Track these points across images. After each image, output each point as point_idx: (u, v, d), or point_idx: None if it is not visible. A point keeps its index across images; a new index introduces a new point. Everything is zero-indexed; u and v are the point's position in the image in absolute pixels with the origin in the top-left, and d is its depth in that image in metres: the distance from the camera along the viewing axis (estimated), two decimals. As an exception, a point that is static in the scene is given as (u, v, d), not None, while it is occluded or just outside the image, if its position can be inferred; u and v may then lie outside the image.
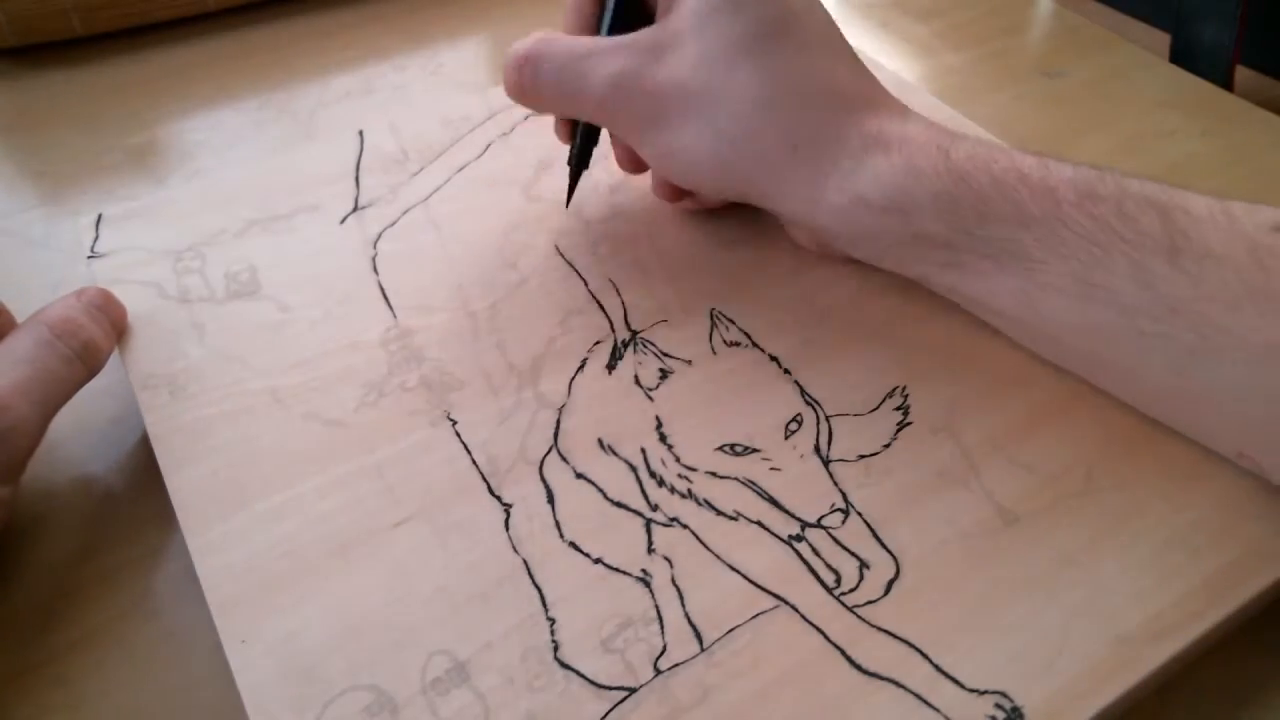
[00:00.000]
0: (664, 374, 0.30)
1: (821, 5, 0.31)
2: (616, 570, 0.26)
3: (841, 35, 0.32)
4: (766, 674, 0.24)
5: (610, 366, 0.30)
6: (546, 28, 0.34)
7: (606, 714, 0.23)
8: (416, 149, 0.38)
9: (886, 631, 0.24)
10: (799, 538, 0.26)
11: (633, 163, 0.34)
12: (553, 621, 0.24)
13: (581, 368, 0.30)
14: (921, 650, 0.24)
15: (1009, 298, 0.29)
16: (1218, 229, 0.26)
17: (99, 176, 0.40)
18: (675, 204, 0.35)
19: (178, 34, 0.48)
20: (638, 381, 0.30)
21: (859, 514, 0.27)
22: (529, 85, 0.31)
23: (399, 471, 0.28)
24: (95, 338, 0.29)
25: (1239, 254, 0.25)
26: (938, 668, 0.24)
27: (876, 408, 0.29)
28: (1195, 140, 0.41)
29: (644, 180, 0.36)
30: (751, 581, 0.25)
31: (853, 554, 0.26)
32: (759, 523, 0.27)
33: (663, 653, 0.24)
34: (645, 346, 0.31)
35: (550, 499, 0.27)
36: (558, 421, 0.29)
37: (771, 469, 0.28)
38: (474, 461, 0.28)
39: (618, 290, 0.33)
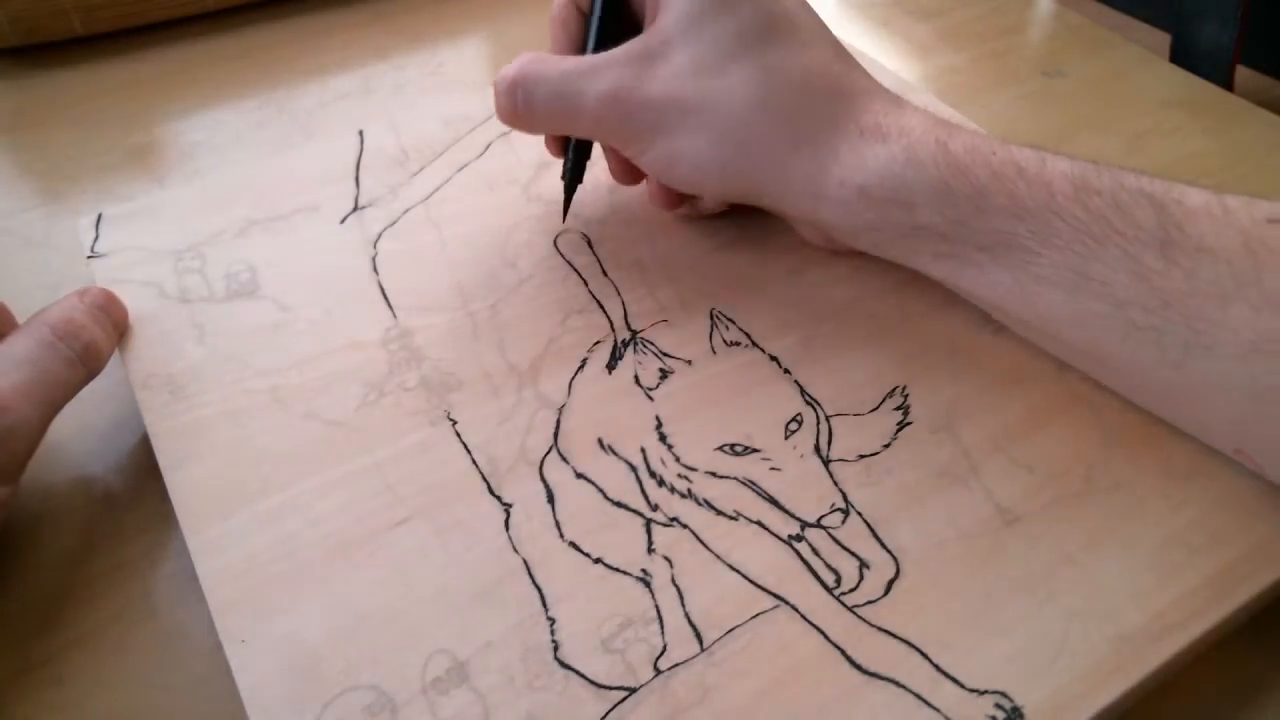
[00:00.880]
0: (664, 374, 0.30)
1: (806, 1, 0.32)
2: (616, 570, 0.26)
3: (828, 29, 0.32)
4: (766, 674, 0.24)
5: (610, 366, 0.30)
6: (546, 28, 0.34)
7: (606, 714, 0.23)
8: (416, 149, 0.38)
9: (886, 631, 0.24)
10: (799, 538, 0.26)
11: (628, 174, 0.34)
12: (553, 621, 0.24)
13: (581, 368, 0.30)
14: (921, 650, 0.24)
15: (1004, 290, 0.29)
16: (1213, 221, 0.25)
17: (99, 176, 0.40)
18: (673, 211, 0.35)
19: (178, 34, 0.48)
20: (638, 381, 0.30)
21: (859, 514, 0.27)
22: (523, 110, 0.31)
23: (399, 471, 0.28)
24: (97, 339, 0.29)
25: (1233, 246, 0.25)
26: (938, 668, 0.24)
27: (876, 408, 0.29)
28: (1196, 140, 0.41)
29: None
30: (751, 581, 0.25)
31: (853, 554, 0.26)
32: (759, 523, 0.27)
33: (663, 653, 0.24)
34: (645, 346, 0.31)
35: (550, 499, 0.27)
36: (558, 421, 0.29)
37: (771, 469, 0.28)
38: (474, 461, 0.28)
39: (618, 290, 0.33)
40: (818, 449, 0.28)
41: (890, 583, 0.25)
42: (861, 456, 0.28)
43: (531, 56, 0.31)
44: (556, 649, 0.24)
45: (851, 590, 0.25)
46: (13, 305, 0.30)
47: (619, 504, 0.27)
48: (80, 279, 0.34)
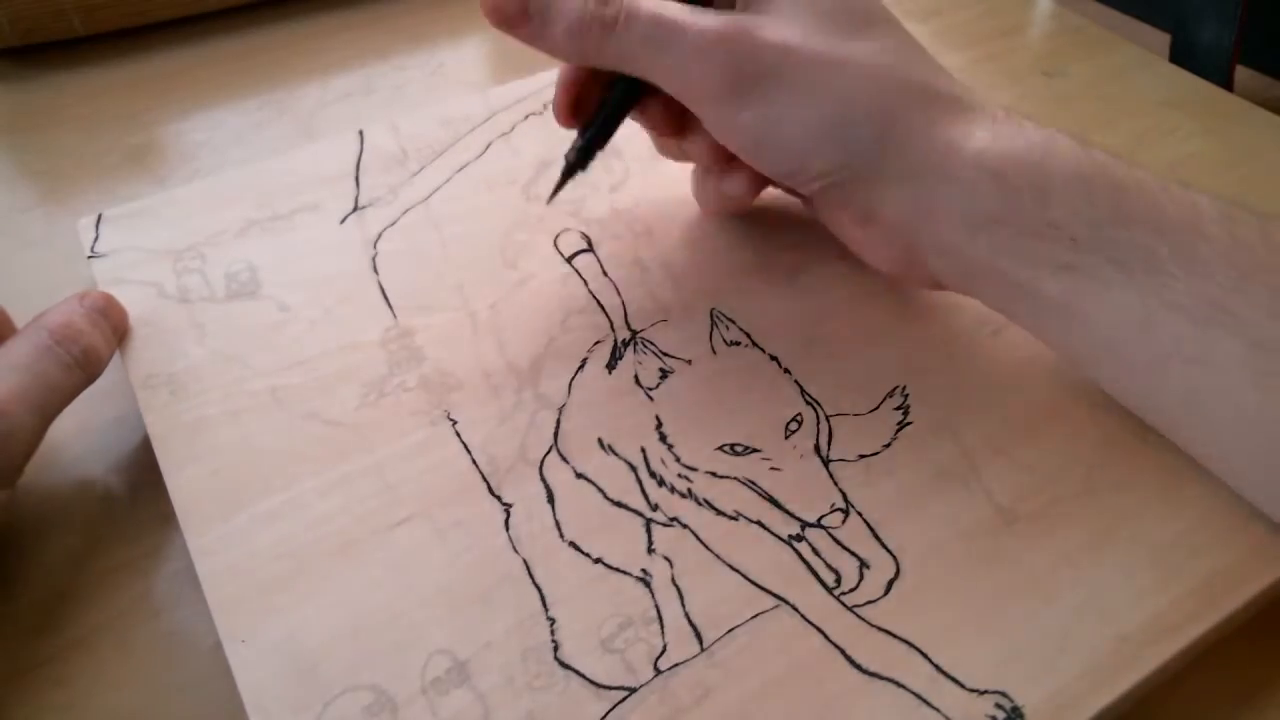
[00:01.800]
0: (664, 374, 0.30)
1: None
2: (616, 570, 0.26)
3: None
4: (766, 674, 0.24)
5: (610, 366, 0.30)
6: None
7: (606, 714, 0.23)
8: (416, 149, 0.38)
9: (886, 631, 0.24)
10: (799, 537, 0.26)
11: (674, 126, 0.30)
12: (553, 621, 0.24)
13: (581, 368, 0.30)
14: (921, 650, 0.24)
15: (1124, 315, 0.25)
16: None
17: (99, 176, 0.40)
18: (713, 208, 0.33)
19: (178, 34, 0.48)
20: (638, 381, 0.30)
21: (859, 514, 0.27)
22: (612, 23, 0.26)
23: (399, 471, 0.28)
24: (95, 344, 0.29)
25: None
26: (938, 668, 0.24)
27: (876, 408, 0.29)
28: (1196, 140, 0.41)
29: (644, 180, 0.36)
30: (751, 581, 0.25)
31: (853, 554, 0.26)
32: (759, 522, 0.27)
33: (663, 653, 0.24)
34: (645, 346, 0.31)
35: (550, 499, 0.27)
36: (558, 421, 0.29)
37: (771, 469, 0.28)
38: (474, 461, 0.28)
39: (618, 290, 0.33)
40: (818, 449, 0.28)
41: (890, 583, 0.25)
42: (861, 456, 0.28)
43: None
44: (556, 649, 0.24)
45: (851, 590, 0.25)
46: (11, 306, 0.30)
47: (619, 504, 0.27)
48: (80, 279, 0.34)
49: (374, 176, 0.37)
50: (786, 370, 0.30)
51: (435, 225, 0.35)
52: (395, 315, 0.32)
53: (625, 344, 0.31)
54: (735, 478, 0.27)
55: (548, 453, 0.28)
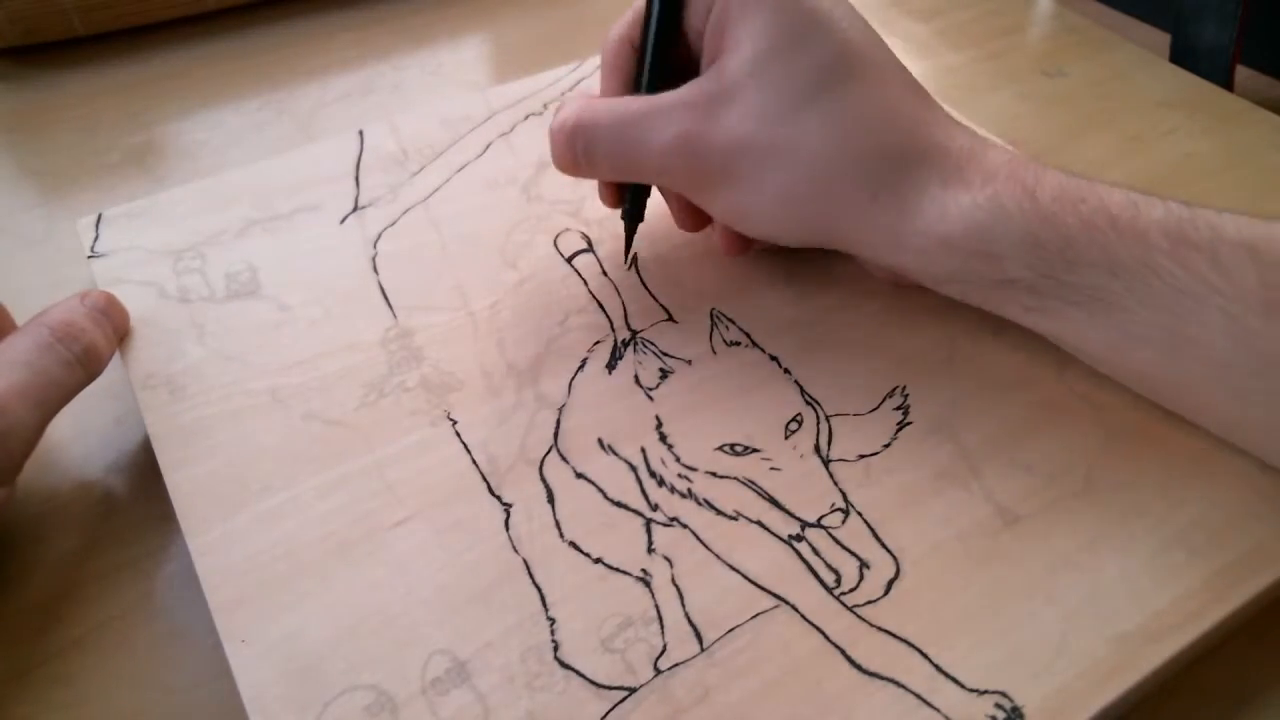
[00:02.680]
0: (664, 374, 0.30)
1: (879, 38, 0.30)
2: (616, 570, 0.26)
3: (900, 63, 0.30)
4: (766, 674, 0.24)
5: (610, 366, 0.30)
6: (547, 27, 0.34)
7: (606, 714, 0.23)
8: (416, 149, 0.38)
9: (886, 631, 0.24)
10: (799, 537, 0.26)
11: (693, 220, 0.32)
12: (553, 621, 0.24)
13: (581, 367, 0.30)
14: (921, 650, 0.24)
15: (1100, 346, 0.28)
16: None
17: (99, 176, 0.40)
18: (744, 254, 0.33)
19: (178, 34, 0.48)
20: (638, 381, 0.30)
21: (859, 514, 0.27)
22: (583, 158, 0.30)
23: (399, 471, 0.28)
24: (96, 342, 0.29)
25: None
26: (938, 668, 0.24)
27: (876, 408, 0.29)
28: (1195, 140, 0.41)
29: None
30: (751, 581, 0.25)
31: (853, 554, 0.26)
32: (759, 522, 0.27)
33: (663, 652, 0.24)
34: (645, 346, 0.31)
35: (550, 499, 0.27)
36: (558, 421, 0.29)
37: (771, 469, 0.28)
38: (474, 461, 0.28)
39: (618, 290, 0.33)
40: (818, 449, 0.28)
41: (890, 583, 0.25)
42: (861, 456, 0.28)
43: (586, 101, 0.30)
44: (556, 649, 0.24)
45: (851, 590, 0.25)
46: (12, 305, 0.30)
47: (619, 504, 0.27)
48: (80, 279, 0.34)
49: (374, 176, 0.37)
50: (786, 370, 0.30)
51: (435, 225, 0.35)
52: (395, 315, 0.32)
53: (625, 344, 0.31)
54: (735, 478, 0.27)
55: (548, 453, 0.28)
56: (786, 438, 0.28)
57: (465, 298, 0.32)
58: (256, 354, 0.30)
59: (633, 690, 0.23)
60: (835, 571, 0.26)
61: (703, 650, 0.24)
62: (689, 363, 0.30)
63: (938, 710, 0.23)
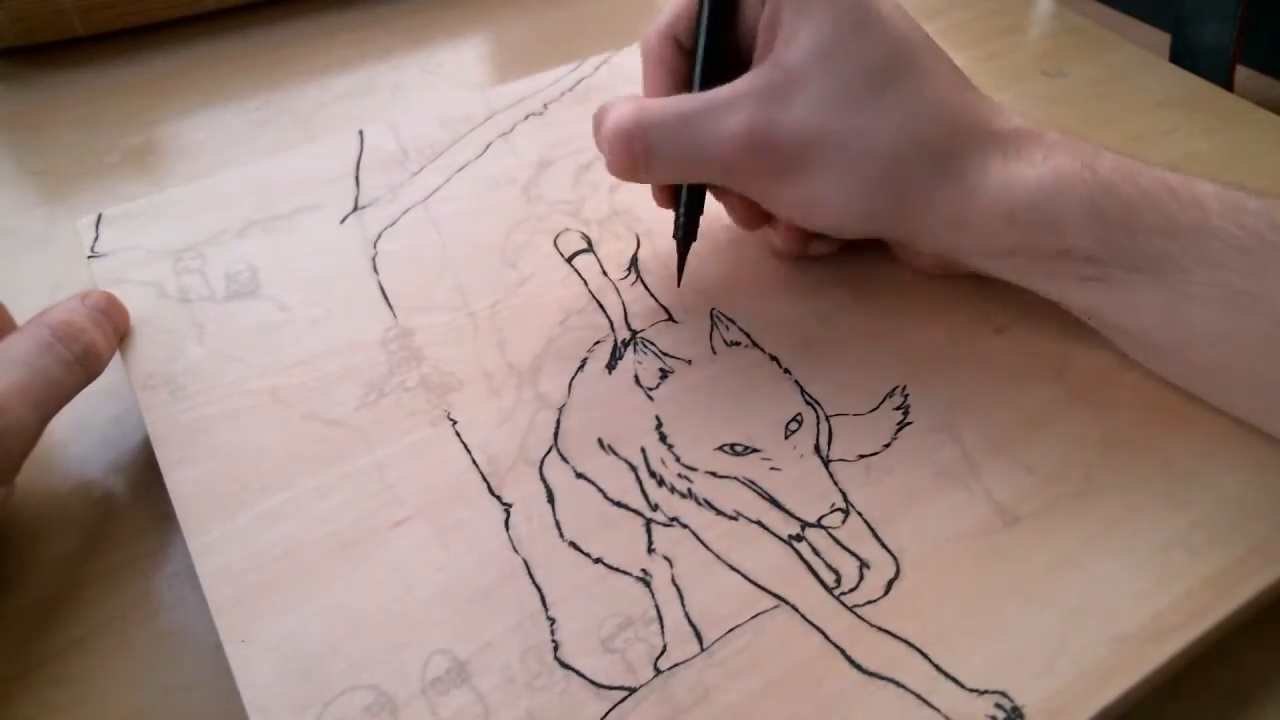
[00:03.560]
0: (664, 374, 0.30)
1: (926, 33, 0.30)
2: (616, 570, 0.26)
3: (949, 57, 0.30)
4: (766, 674, 0.24)
5: (610, 366, 0.30)
6: (547, 27, 0.34)
7: (606, 714, 0.23)
8: (416, 149, 0.38)
9: (886, 631, 0.24)
10: (799, 537, 0.26)
11: (754, 219, 0.32)
12: (553, 621, 0.24)
13: (581, 367, 0.30)
14: (921, 650, 0.24)
15: (1152, 311, 0.28)
16: None
17: (99, 176, 0.40)
18: (800, 255, 0.33)
19: (177, 34, 0.48)
20: (638, 381, 0.30)
21: (859, 514, 0.27)
22: (643, 161, 0.28)
23: (399, 471, 0.28)
24: (96, 342, 0.29)
25: None
26: (938, 668, 0.24)
27: (876, 408, 0.29)
28: (1195, 140, 0.41)
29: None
30: (751, 581, 0.25)
31: (853, 554, 0.26)
32: (759, 522, 0.27)
33: (663, 652, 0.24)
34: (645, 346, 0.31)
35: (550, 499, 0.27)
36: (558, 421, 0.29)
37: (771, 469, 0.28)
38: (474, 461, 0.28)
39: (618, 290, 0.33)
40: (818, 449, 0.28)
41: (890, 583, 0.25)
42: (861, 456, 0.28)
43: (640, 102, 0.29)
44: (556, 649, 0.24)
45: (851, 590, 0.25)
46: (13, 305, 0.30)
47: (619, 504, 0.27)
48: (80, 279, 0.34)
49: (374, 176, 0.37)
50: (786, 370, 0.30)
51: (435, 225, 0.35)
52: (395, 315, 0.32)
53: (625, 344, 0.31)
54: (735, 478, 0.27)
55: (548, 453, 0.28)
56: (786, 438, 0.28)
57: (465, 298, 0.32)
58: (256, 354, 0.30)
59: (633, 690, 0.23)
60: (835, 571, 0.26)
61: (703, 650, 0.24)
62: (689, 363, 0.30)
63: (938, 710, 0.23)
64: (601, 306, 0.32)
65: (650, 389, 0.30)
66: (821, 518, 0.27)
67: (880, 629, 0.24)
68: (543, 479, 0.27)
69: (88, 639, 0.26)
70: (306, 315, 0.32)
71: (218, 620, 0.24)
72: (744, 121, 0.28)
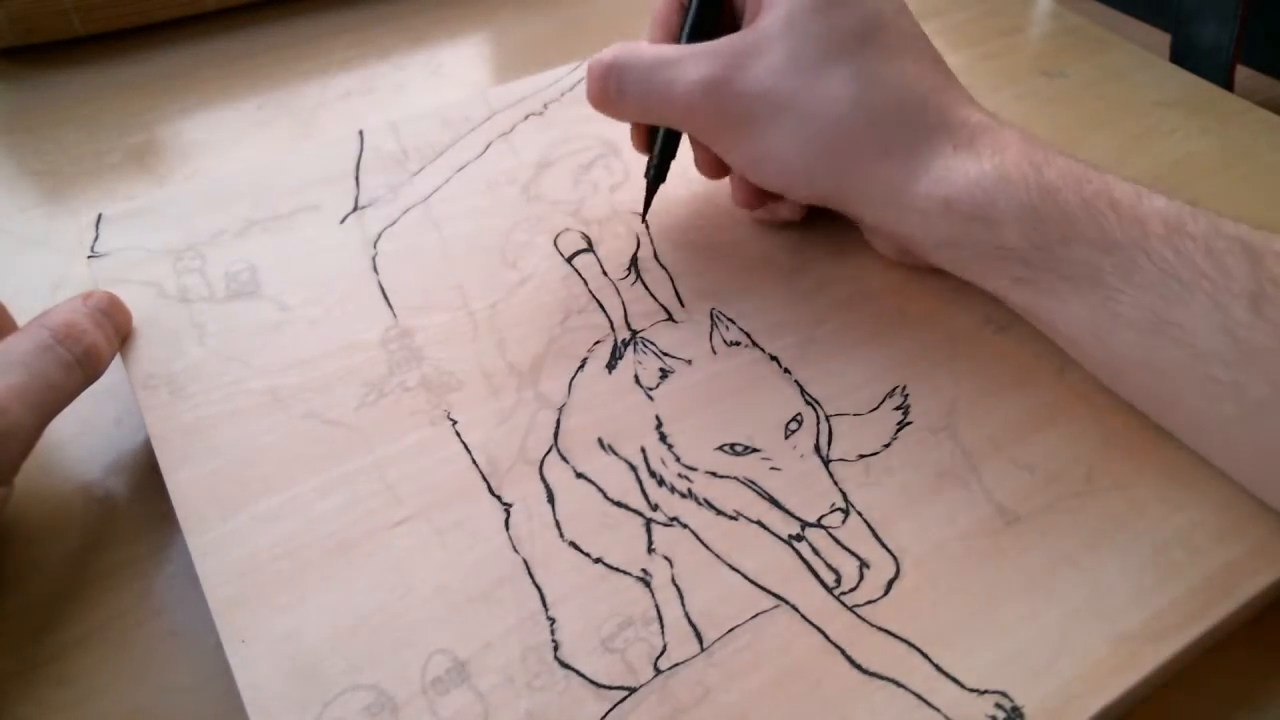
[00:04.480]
0: (664, 374, 0.30)
1: (908, 11, 0.31)
2: (616, 570, 0.26)
3: (927, 39, 0.31)
4: (766, 674, 0.24)
5: (610, 366, 0.30)
6: (547, 27, 0.34)
7: (606, 714, 0.23)
8: (416, 149, 0.38)
9: (886, 631, 0.24)
10: (799, 537, 0.26)
11: (714, 168, 0.34)
12: (553, 621, 0.24)
13: (581, 367, 0.30)
14: (921, 650, 0.24)
15: (1081, 325, 0.28)
16: None
17: (99, 176, 0.40)
18: (753, 214, 0.35)
19: (177, 34, 0.48)
20: (638, 381, 0.30)
21: (859, 514, 0.27)
22: (614, 94, 0.31)
23: (399, 471, 0.28)
24: (97, 344, 0.28)
25: None
26: (938, 668, 0.24)
27: (876, 408, 0.29)
28: (1195, 140, 0.41)
29: (642, 177, 0.36)
30: (751, 581, 0.25)
31: (853, 554, 0.26)
32: (759, 522, 0.27)
33: (663, 652, 0.24)
34: (645, 346, 0.31)
35: (550, 499, 0.27)
36: (558, 421, 0.29)
37: (771, 469, 0.28)
38: (474, 461, 0.28)
39: (618, 290, 0.33)
40: (818, 449, 0.28)
41: (890, 582, 0.25)
42: (861, 456, 0.28)
43: (626, 44, 0.31)
44: (556, 649, 0.24)
45: (851, 590, 0.25)
46: (13, 305, 0.30)
47: (619, 504, 0.27)
48: (80, 279, 0.34)
49: (374, 176, 0.37)
50: (786, 370, 0.30)
51: (435, 225, 0.35)
52: (395, 315, 0.32)
53: (625, 344, 0.31)
54: (735, 478, 0.27)
55: (548, 452, 0.28)
56: (786, 438, 0.28)
57: (465, 298, 0.32)
58: (256, 354, 0.30)
59: (633, 690, 0.23)
60: (835, 571, 0.26)
61: (703, 650, 0.24)
62: (689, 363, 0.30)
63: (938, 710, 0.23)
64: (601, 306, 0.32)
65: (650, 389, 0.30)
66: (821, 517, 0.27)
67: (880, 629, 0.24)
68: (543, 479, 0.27)
69: (88, 639, 0.26)
70: (306, 315, 0.32)
71: (218, 620, 0.24)
72: (705, 73, 0.29)
